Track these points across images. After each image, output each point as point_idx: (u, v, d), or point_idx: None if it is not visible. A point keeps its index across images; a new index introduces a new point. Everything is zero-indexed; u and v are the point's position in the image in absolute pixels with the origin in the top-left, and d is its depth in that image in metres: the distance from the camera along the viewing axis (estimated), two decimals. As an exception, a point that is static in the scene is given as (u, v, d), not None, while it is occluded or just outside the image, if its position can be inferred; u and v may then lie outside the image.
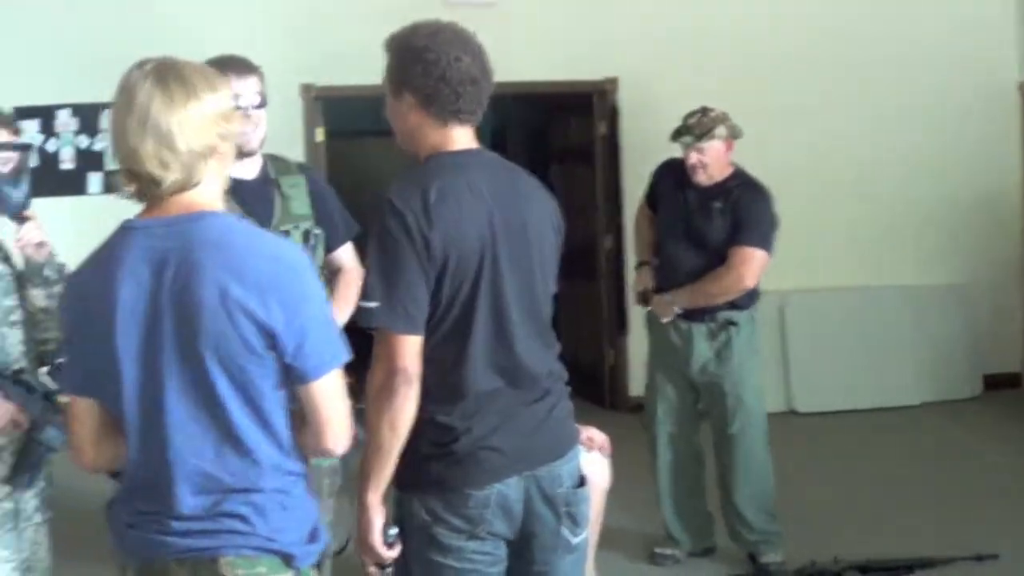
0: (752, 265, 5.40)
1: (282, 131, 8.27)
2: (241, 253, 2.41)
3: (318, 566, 2.62)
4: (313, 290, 2.48)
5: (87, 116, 8.50)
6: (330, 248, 4.23)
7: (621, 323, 9.13)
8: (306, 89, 8.60)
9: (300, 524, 2.54)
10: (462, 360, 2.89)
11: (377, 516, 2.90)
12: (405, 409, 2.81)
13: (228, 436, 2.43)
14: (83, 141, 8.52)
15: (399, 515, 2.96)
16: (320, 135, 8.74)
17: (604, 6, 8.85)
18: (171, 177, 2.40)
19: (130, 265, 2.40)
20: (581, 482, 3.10)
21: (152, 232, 2.42)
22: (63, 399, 3.21)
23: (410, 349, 2.82)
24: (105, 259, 2.46)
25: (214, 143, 2.45)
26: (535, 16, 8.71)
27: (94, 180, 8.55)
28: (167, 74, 2.42)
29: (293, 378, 2.46)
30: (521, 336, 2.96)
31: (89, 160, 8.56)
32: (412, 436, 2.85)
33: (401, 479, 2.92)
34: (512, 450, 2.92)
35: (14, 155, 3.39)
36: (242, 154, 4.06)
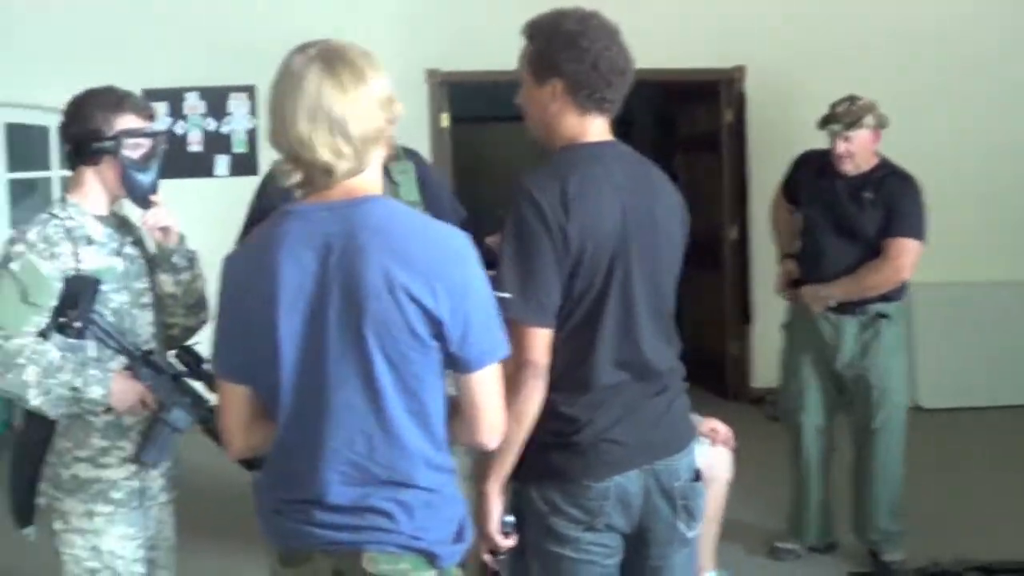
0: (909, 256, 5.29)
1: (407, 117, 8.21)
2: (407, 238, 2.35)
3: (462, 564, 2.56)
4: (479, 278, 2.42)
5: (214, 99, 8.65)
6: None
7: (745, 314, 9.02)
8: (431, 74, 8.62)
9: (446, 523, 2.48)
10: (589, 353, 2.85)
11: (496, 505, 2.88)
12: (532, 402, 2.78)
13: (383, 426, 2.37)
14: (211, 124, 8.67)
15: (517, 505, 2.93)
16: (444, 120, 8.75)
17: (731, -6, 8.76)
18: (344, 165, 2.35)
19: (292, 250, 2.35)
20: (697, 476, 3.07)
21: (314, 216, 2.37)
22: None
23: (541, 342, 2.78)
24: (265, 244, 2.40)
25: (382, 127, 2.41)
26: (665, 2, 8.63)
27: (221, 162, 8.69)
28: (333, 58, 2.36)
29: (455, 368, 2.42)
30: (646, 331, 2.91)
31: (216, 143, 8.70)
32: (534, 426, 2.82)
33: (520, 469, 2.88)
34: (633, 443, 2.88)
35: (145, 141, 3.42)
36: None
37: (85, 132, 3.39)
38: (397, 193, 4.05)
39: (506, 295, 2.74)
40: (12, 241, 3.34)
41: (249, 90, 8.66)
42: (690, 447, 3.06)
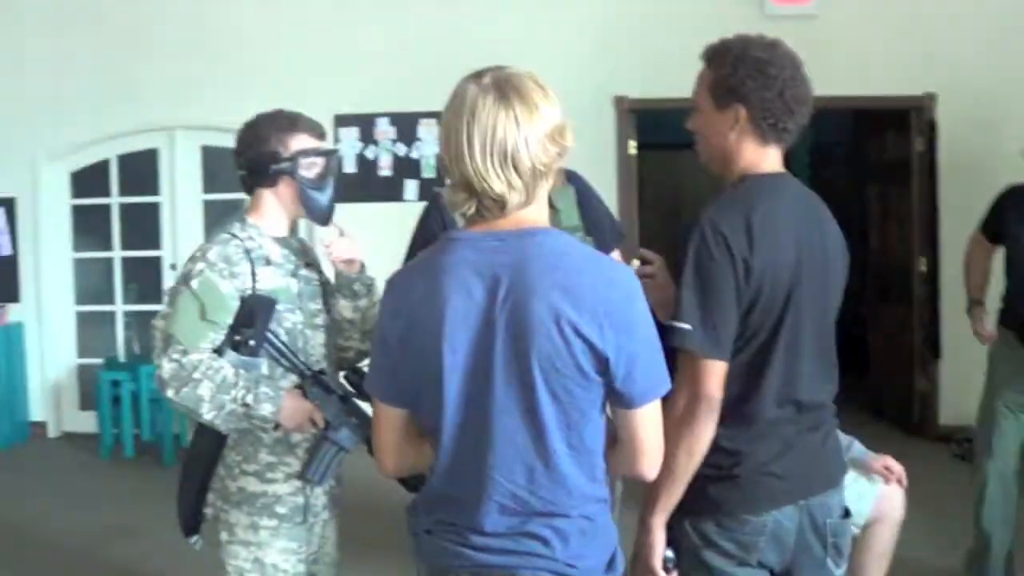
0: None
1: (595, 143, 8.40)
2: (576, 274, 2.33)
3: None
4: (644, 316, 2.39)
5: (405, 125, 8.81)
6: None
7: (934, 348, 8.79)
8: (619, 101, 8.63)
9: (600, 551, 2.49)
10: (757, 388, 2.81)
11: (660, 539, 2.86)
12: (705, 436, 2.75)
13: (544, 459, 2.37)
14: (400, 149, 8.83)
15: (671, 537, 2.89)
16: (632, 147, 8.75)
17: (925, 21, 8.53)
18: (516, 198, 2.35)
19: (460, 277, 2.35)
20: (846, 513, 3.01)
21: (483, 246, 2.36)
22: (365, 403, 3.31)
23: (716, 375, 2.75)
24: (432, 270, 2.40)
25: (553, 159, 2.39)
26: (855, 29, 8.48)
27: (410, 187, 8.83)
28: (508, 89, 2.35)
29: (619, 403, 2.41)
30: (810, 367, 2.88)
31: (406, 167, 8.86)
32: None
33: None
34: (792, 477, 2.84)
35: (320, 160, 3.50)
36: None
37: (262, 155, 3.48)
38: (558, 219, 4.07)
39: (685, 326, 2.73)
40: (193, 259, 3.44)
41: (438, 116, 8.72)
42: (842, 483, 3.01)
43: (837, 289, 2.99)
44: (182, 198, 9.20)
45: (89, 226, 9.65)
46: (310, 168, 3.48)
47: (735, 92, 2.85)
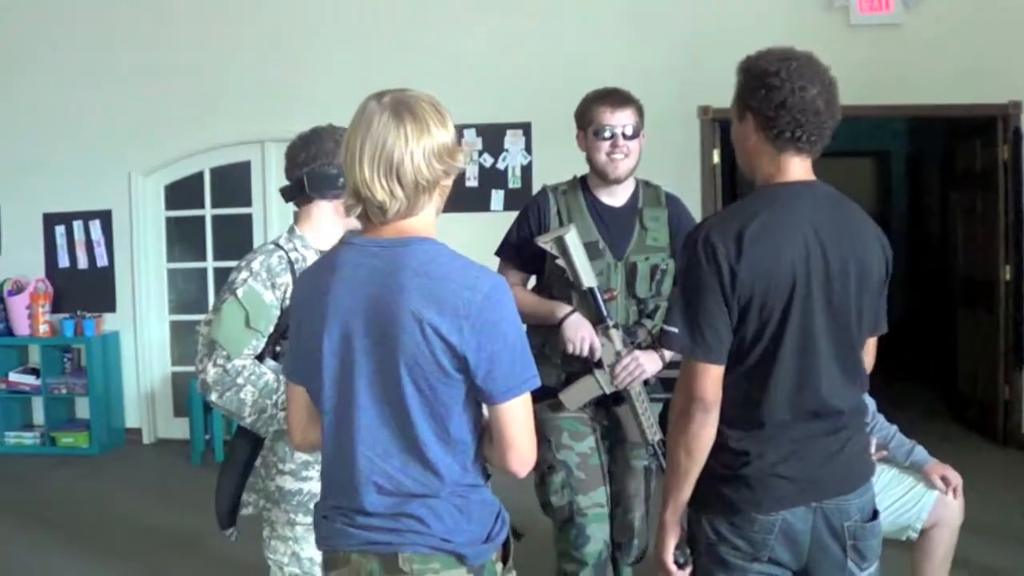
0: None
1: (679, 152, 8.42)
2: (440, 280, 2.54)
3: (505, 559, 2.76)
4: (507, 317, 2.58)
5: (491, 136, 8.89)
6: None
7: (1019, 357, 8.73)
8: (703, 111, 8.63)
9: (477, 526, 2.67)
10: (763, 394, 2.86)
11: (671, 536, 2.97)
12: (701, 436, 2.85)
13: (414, 448, 2.60)
14: (487, 160, 8.90)
15: (691, 531, 2.98)
16: (716, 157, 8.77)
17: (1009, 28, 8.44)
18: (396, 206, 2.58)
19: (343, 275, 2.61)
20: (873, 516, 3.01)
21: (365, 251, 2.62)
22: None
23: (708, 378, 2.83)
24: (325, 267, 2.69)
25: (438, 176, 2.61)
26: (940, 36, 8.38)
27: (496, 197, 8.90)
28: (402, 108, 2.59)
29: (482, 399, 2.61)
30: (828, 374, 2.89)
31: (493, 178, 8.93)
32: (707, 457, 2.89)
33: (693, 498, 2.95)
34: (802, 480, 2.88)
35: None
36: (608, 181, 4.21)
37: (327, 168, 3.61)
38: (645, 237, 4.27)
39: (672, 329, 2.86)
40: (238, 269, 3.57)
41: (524, 127, 8.87)
42: (865, 488, 3.01)
43: (870, 298, 2.99)
44: (273, 209, 9.34)
45: (183, 237, 9.83)
46: None
47: (744, 103, 2.96)
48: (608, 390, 4.07)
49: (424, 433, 2.58)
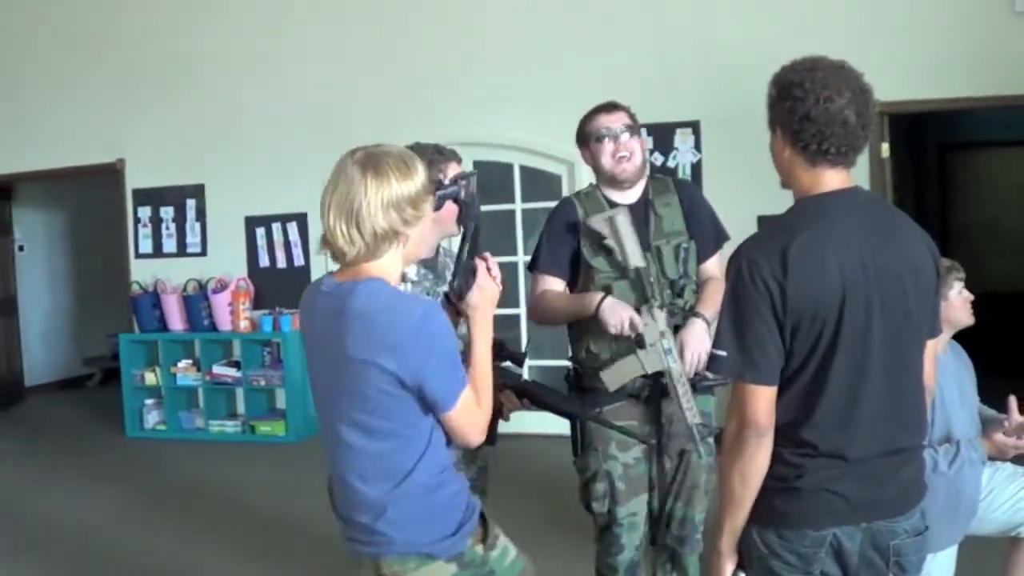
0: None
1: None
2: (376, 315, 2.77)
3: (484, 539, 3.02)
4: (434, 337, 2.79)
5: (662, 134, 8.91)
6: (702, 258, 4.39)
7: None
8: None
9: (441, 526, 2.93)
10: (815, 413, 2.74)
11: (728, 562, 2.88)
12: (755, 462, 2.75)
13: (375, 460, 2.88)
14: (658, 158, 8.90)
15: (743, 545, 2.87)
16: (884, 151, 8.66)
17: None
18: (354, 252, 2.80)
19: (312, 310, 2.95)
20: (918, 533, 2.89)
21: (325, 291, 2.88)
22: None
23: (760, 400, 2.72)
24: (308, 299, 3.01)
25: (395, 224, 2.80)
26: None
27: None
28: (368, 163, 2.80)
29: (427, 408, 2.85)
30: (881, 390, 2.75)
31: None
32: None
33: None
34: (855, 498, 2.77)
35: (464, 183, 3.45)
36: (618, 184, 4.32)
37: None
38: (661, 225, 4.33)
39: (721, 352, 2.76)
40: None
41: (693, 125, 8.86)
42: (915, 511, 2.88)
43: (921, 305, 2.85)
44: (455, 210, 9.50)
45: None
46: (465, 190, 3.67)
47: (772, 115, 2.86)
48: (650, 370, 4.07)
49: (383, 447, 2.87)
